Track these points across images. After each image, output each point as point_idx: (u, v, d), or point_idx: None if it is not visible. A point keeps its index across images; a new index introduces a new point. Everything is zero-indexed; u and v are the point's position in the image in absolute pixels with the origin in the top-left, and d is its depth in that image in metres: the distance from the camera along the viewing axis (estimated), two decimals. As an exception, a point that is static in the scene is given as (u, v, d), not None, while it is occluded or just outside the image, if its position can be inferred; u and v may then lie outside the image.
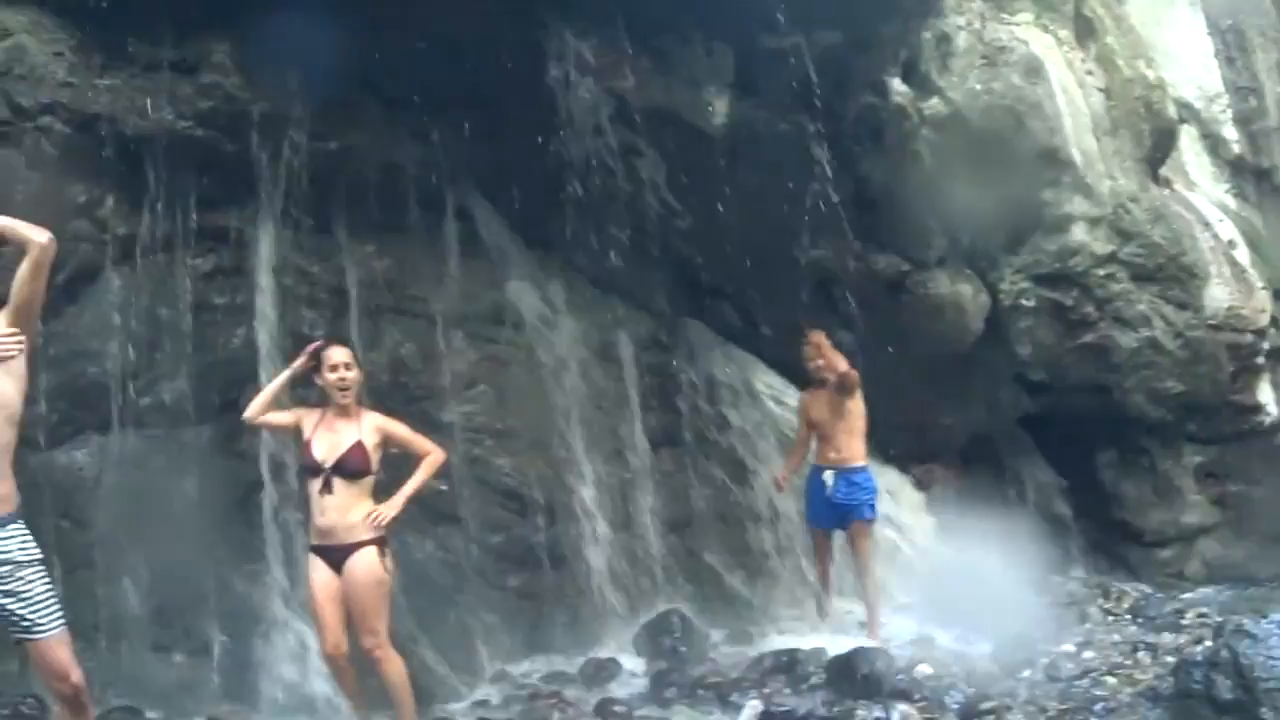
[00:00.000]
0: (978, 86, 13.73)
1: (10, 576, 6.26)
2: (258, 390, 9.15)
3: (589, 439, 12.09)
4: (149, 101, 10.13)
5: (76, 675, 6.40)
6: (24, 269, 6.40)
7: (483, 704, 9.91)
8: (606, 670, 10.72)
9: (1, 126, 9.77)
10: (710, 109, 11.70)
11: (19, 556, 6.32)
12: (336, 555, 8.31)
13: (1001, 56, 13.94)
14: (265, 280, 10.59)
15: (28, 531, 6.40)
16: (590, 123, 11.15)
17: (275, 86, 10.42)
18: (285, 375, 8.82)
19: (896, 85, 12.85)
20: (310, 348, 8.76)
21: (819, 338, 12.01)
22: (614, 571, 11.82)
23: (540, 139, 11.02)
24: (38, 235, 6.35)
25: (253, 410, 8.70)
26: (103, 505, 9.82)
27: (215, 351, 10.37)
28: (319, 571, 8.35)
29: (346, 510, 8.24)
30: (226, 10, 10.03)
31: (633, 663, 10.93)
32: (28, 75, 9.77)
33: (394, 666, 8.31)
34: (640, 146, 11.65)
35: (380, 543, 8.34)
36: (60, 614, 6.40)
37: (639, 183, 11.72)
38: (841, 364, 11.39)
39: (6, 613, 6.26)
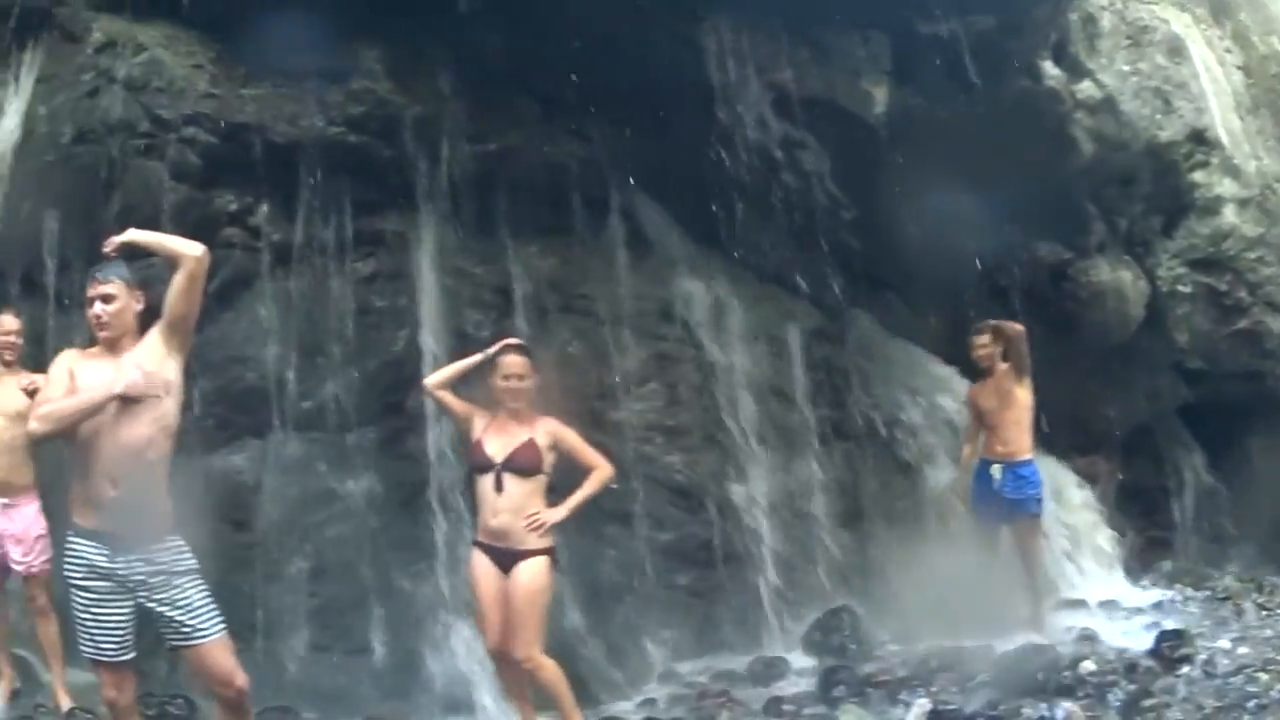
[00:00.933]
0: (1125, 68, 12.71)
1: (167, 585, 5.79)
2: (421, 392, 8.64)
3: (758, 434, 10.97)
4: (298, 109, 9.68)
5: (240, 679, 5.92)
6: (178, 282, 5.90)
7: (650, 703, 9.08)
8: (775, 668, 9.79)
9: (143, 139, 9.30)
10: (869, 98, 10.62)
11: (174, 567, 5.84)
12: (505, 558, 7.63)
13: (1145, 36, 13.01)
14: (428, 282, 9.82)
15: (182, 543, 5.91)
16: (751, 116, 10.23)
17: (428, 90, 9.90)
18: (476, 359, 8.09)
19: (1049, 68, 11.76)
20: (499, 344, 8.08)
21: (999, 327, 10.79)
22: (783, 568, 10.89)
23: (701, 134, 10.06)
24: (191, 249, 5.89)
25: (434, 380, 8.00)
26: (262, 508, 9.24)
27: (378, 354, 9.64)
28: (484, 569, 7.59)
29: (519, 512, 7.45)
30: (373, 17, 9.61)
31: (801, 661, 10.02)
32: (166, 88, 9.26)
33: (549, 673, 7.51)
34: (802, 138, 10.65)
35: (550, 552, 7.66)
36: (219, 619, 5.89)
37: (802, 175, 10.70)
38: (1013, 325, 10.34)
39: (165, 620, 5.80)
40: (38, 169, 9.67)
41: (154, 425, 6.07)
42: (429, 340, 9.60)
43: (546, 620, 7.80)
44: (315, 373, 9.42)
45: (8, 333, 8.71)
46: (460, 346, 9.39)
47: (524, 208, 10.07)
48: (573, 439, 8.00)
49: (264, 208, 9.45)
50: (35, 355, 8.72)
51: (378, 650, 9.10)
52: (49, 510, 8.41)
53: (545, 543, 7.45)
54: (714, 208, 10.53)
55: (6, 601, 8.75)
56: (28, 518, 8.46)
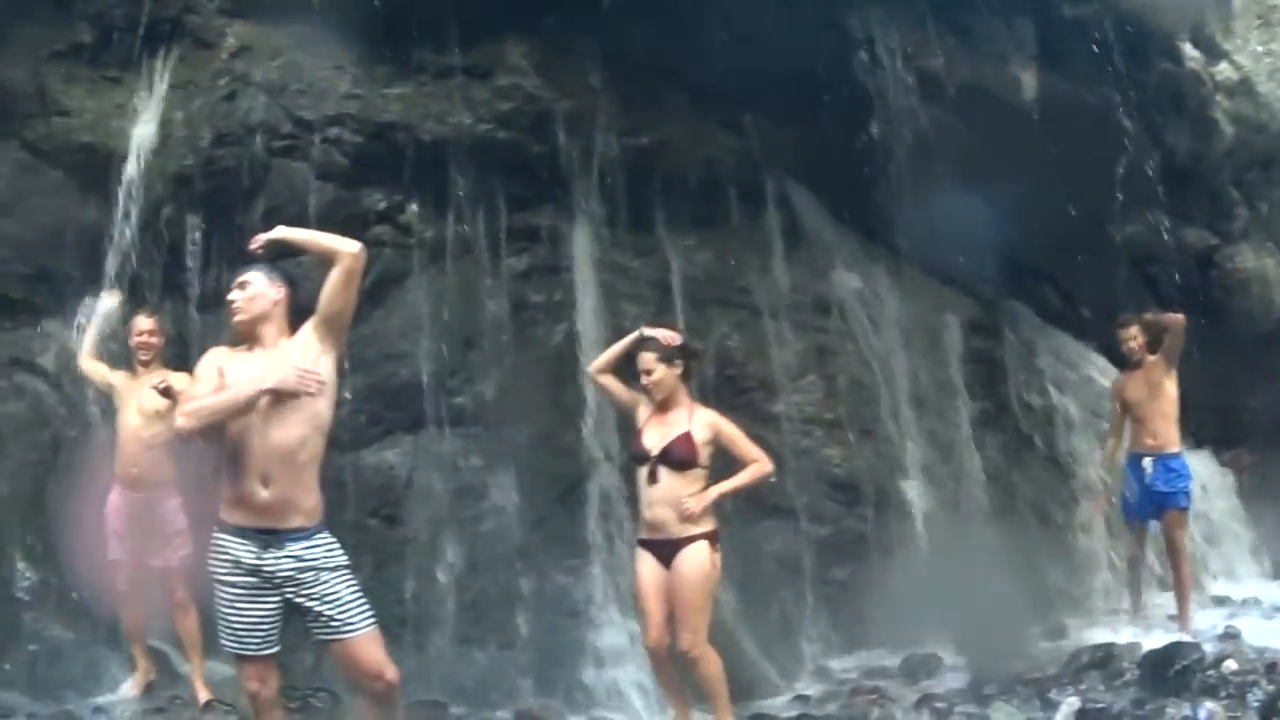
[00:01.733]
0: (1259, 49, 12.31)
1: (315, 581, 5.75)
2: (578, 387, 8.82)
3: (915, 427, 10.89)
4: (445, 107, 9.62)
5: (390, 673, 5.86)
6: (334, 279, 5.85)
7: (803, 699, 8.89)
8: (927, 665, 9.57)
9: (286, 140, 9.35)
10: (1018, 83, 10.48)
11: (324, 564, 5.79)
12: (665, 549, 7.51)
13: (1275, 15, 12.54)
14: (585, 277, 9.75)
15: (333, 539, 5.88)
16: (902, 103, 9.99)
17: (577, 84, 9.79)
18: (630, 339, 8.07)
19: (1189, 50, 11.52)
20: (637, 333, 8.04)
21: (1151, 319, 10.65)
22: (937, 563, 10.60)
23: (852, 123, 9.86)
24: (347, 246, 5.84)
25: (595, 365, 8.05)
26: (414, 503, 9.21)
27: (534, 349, 9.60)
28: (647, 565, 7.51)
29: (675, 503, 7.34)
30: (517, 14, 9.57)
31: (953, 658, 9.77)
32: (307, 90, 9.32)
33: (710, 666, 7.48)
34: (953, 125, 10.27)
35: (712, 537, 7.50)
36: (370, 613, 5.84)
37: (954, 162, 10.34)
38: (1173, 316, 10.19)
39: (313, 615, 5.76)
40: (176, 172, 9.71)
41: (307, 424, 5.98)
42: (586, 335, 9.52)
43: (711, 610, 7.69)
44: (469, 368, 9.38)
45: (142, 333, 8.77)
46: (617, 341, 9.12)
47: (678, 200, 9.94)
48: (731, 432, 7.83)
49: (414, 205, 9.41)
50: (179, 357, 8.78)
51: (529, 645, 9.17)
52: (190, 506, 8.47)
53: (706, 527, 7.34)
54: (867, 197, 10.32)
55: (145, 595, 8.78)
56: (167, 513, 8.52)
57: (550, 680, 9.09)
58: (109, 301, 9.12)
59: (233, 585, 6.04)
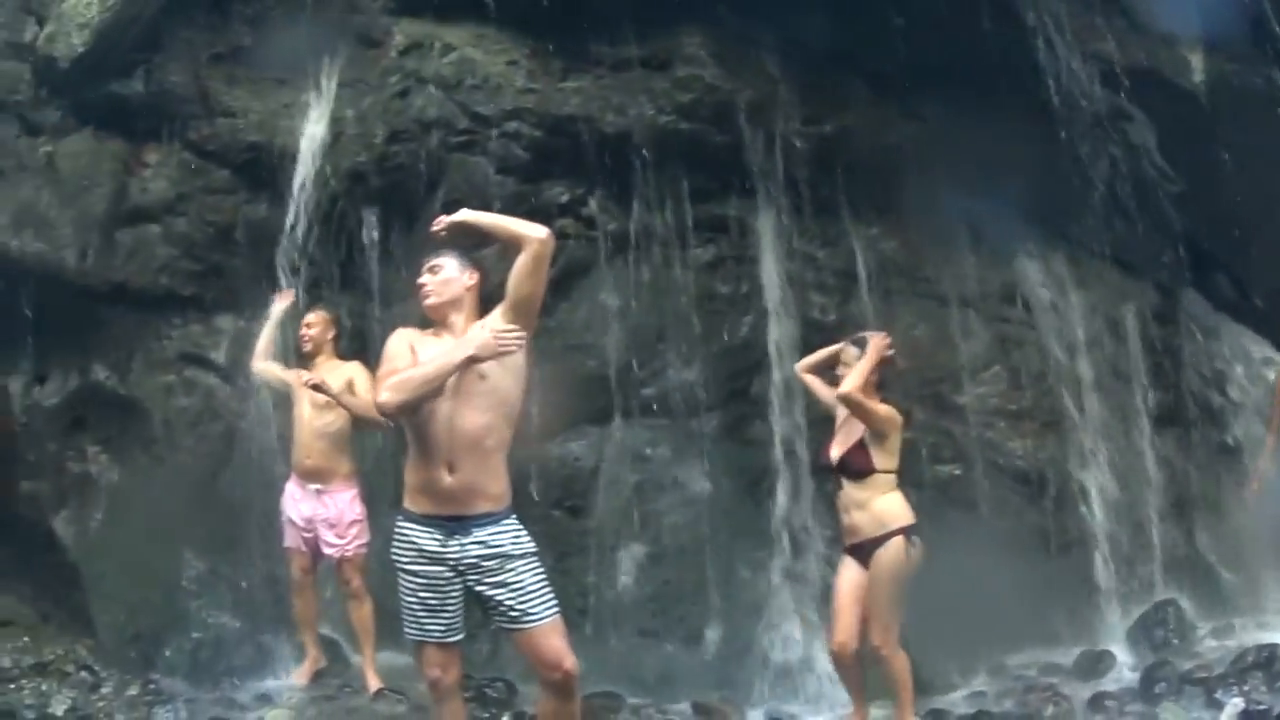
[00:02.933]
0: None
1: (500, 569, 5.64)
2: (766, 377, 8.92)
3: (1095, 419, 10.73)
4: (625, 99, 9.61)
5: (570, 663, 5.69)
6: (523, 264, 5.72)
7: (979, 695, 8.88)
8: (1102, 663, 9.44)
9: (463, 135, 9.50)
10: (1187, 65, 10.30)
11: (511, 550, 5.67)
12: (863, 552, 7.50)
13: None
14: (771, 267, 9.70)
15: (520, 526, 5.75)
16: (1077, 88, 10.01)
17: (756, 74, 9.73)
18: (840, 345, 7.97)
19: None
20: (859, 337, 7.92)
21: None
22: (1114, 559, 10.45)
23: (1029, 109, 9.69)
24: (534, 231, 5.71)
25: (802, 365, 8.13)
26: (600, 494, 9.28)
27: (722, 340, 9.53)
28: (848, 569, 7.56)
29: (865, 506, 7.41)
30: (691, 4, 9.48)
31: (1125, 655, 9.65)
32: (482, 85, 9.45)
33: (899, 664, 7.40)
34: (1128, 110, 10.29)
35: (907, 532, 7.46)
36: (553, 603, 5.70)
37: (1130, 148, 10.30)
38: None
39: (495, 603, 5.66)
40: (350, 169, 9.78)
41: (494, 411, 5.88)
42: (775, 325, 9.51)
43: (902, 608, 7.65)
44: (657, 359, 9.39)
45: (307, 325, 8.85)
46: (806, 332, 9.41)
47: (861, 189, 9.84)
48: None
49: (596, 198, 9.44)
50: (358, 351, 8.88)
51: (710, 638, 9.13)
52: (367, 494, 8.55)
53: (900, 522, 7.37)
54: (1047, 185, 10.15)
55: (317, 583, 8.86)
56: (342, 503, 8.56)
57: (729, 674, 9.04)
58: (281, 304, 9.16)
59: (416, 574, 5.96)
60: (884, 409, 7.57)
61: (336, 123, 9.58)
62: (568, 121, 9.27)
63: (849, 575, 7.67)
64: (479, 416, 5.84)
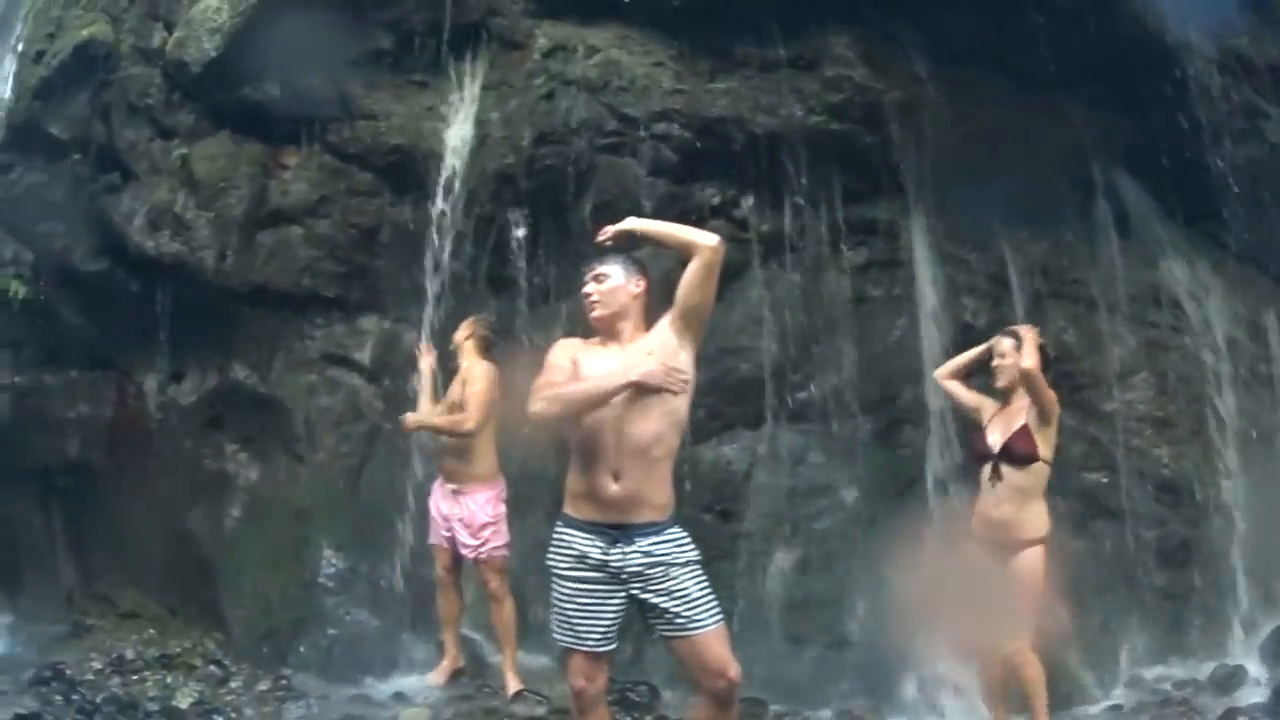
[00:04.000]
0: None
1: (665, 576, 5.61)
2: (918, 383, 8.82)
3: (1236, 427, 10.59)
4: (774, 100, 9.59)
5: (734, 671, 5.67)
6: (694, 272, 5.69)
7: (1116, 709, 8.77)
8: (1236, 678, 9.22)
9: (612, 137, 9.49)
10: None
11: (675, 559, 5.65)
12: (1002, 550, 7.46)
13: None
14: (925, 270, 9.65)
15: (684, 534, 5.73)
16: (1215, 86, 9.83)
17: (904, 73, 9.66)
18: (981, 348, 8.02)
19: None
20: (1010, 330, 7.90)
21: None
22: (1251, 571, 10.26)
23: (1170, 107, 9.68)
24: (706, 239, 5.69)
25: (942, 371, 8.09)
26: (751, 499, 9.26)
27: (875, 344, 9.51)
28: (979, 563, 7.52)
29: (1018, 504, 7.34)
30: (836, 4, 9.49)
31: (1258, 670, 9.37)
32: (629, 87, 9.42)
33: (1033, 671, 7.32)
34: (1265, 108, 10.12)
35: (1046, 542, 7.41)
36: (719, 611, 5.68)
37: (1267, 146, 10.16)
38: None
39: (660, 611, 5.62)
40: (497, 171, 9.81)
41: (663, 420, 5.84)
42: (928, 329, 9.48)
43: (1038, 615, 7.60)
44: (810, 364, 9.37)
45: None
46: (959, 335, 9.32)
47: (1009, 191, 9.76)
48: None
49: (749, 199, 9.42)
50: (506, 351, 8.93)
51: (856, 645, 9.08)
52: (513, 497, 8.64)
53: (1045, 531, 7.45)
54: (1189, 184, 10.01)
55: (460, 583, 8.90)
56: (476, 504, 8.58)
57: (873, 682, 9.00)
58: (425, 361, 9.26)
59: (575, 580, 5.93)
60: (1052, 392, 7.55)
61: (482, 125, 9.61)
62: (717, 123, 9.25)
63: (983, 573, 7.64)
64: (647, 425, 5.81)
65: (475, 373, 8.63)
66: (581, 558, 5.89)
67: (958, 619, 7.88)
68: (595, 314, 6.02)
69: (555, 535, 6.01)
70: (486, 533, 8.52)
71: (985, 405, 7.89)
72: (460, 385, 8.63)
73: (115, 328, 10.68)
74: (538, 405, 5.88)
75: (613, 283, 6.01)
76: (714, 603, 5.87)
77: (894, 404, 9.26)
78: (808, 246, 9.42)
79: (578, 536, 5.91)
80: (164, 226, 9.80)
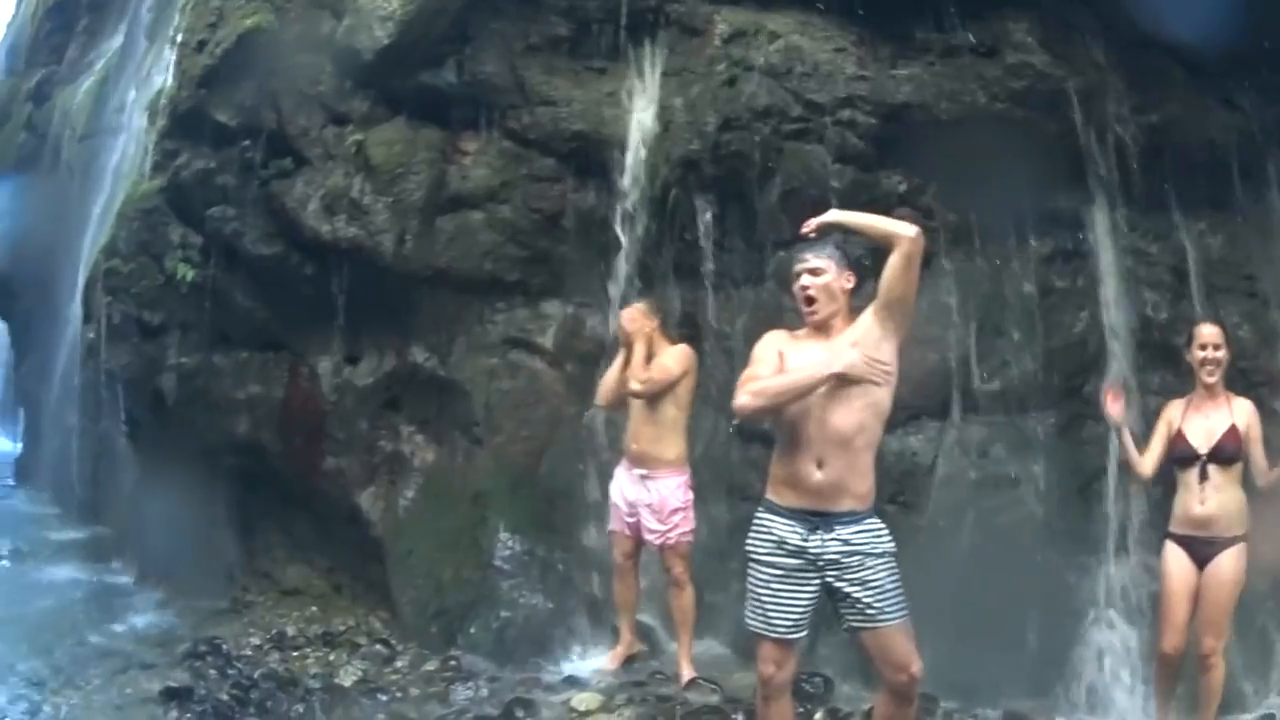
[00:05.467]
0: None
1: (860, 566, 5.75)
2: (1101, 376, 8.74)
3: None
4: (957, 86, 9.49)
5: (916, 667, 5.82)
6: (895, 264, 5.79)
7: (1268, 718, 8.48)
8: None
9: (796, 124, 9.38)
10: None
11: (871, 549, 5.80)
12: (1205, 550, 7.43)
13: None
14: (1108, 262, 9.42)
15: (882, 525, 5.87)
16: None
17: (1083, 60, 9.47)
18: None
19: None
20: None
21: None
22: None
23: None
24: (905, 230, 5.78)
25: (1144, 470, 7.84)
26: (935, 491, 9.12)
27: (1058, 336, 9.27)
28: (1178, 563, 7.51)
29: (1226, 501, 7.33)
30: None
31: None
32: (812, 73, 9.29)
33: (1220, 675, 7.42)
34: None
35: (1248, 539, 7.40)
36: (905, 605, 5.81)
37: None
38: None
39: (851, 600, 5.76)
40: (682, 157, 9.85)
41: (867, 410, 5.98)
42: (1110, 321, 9.31)
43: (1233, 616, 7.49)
44: (995, 355, 9.20)
45: (630, 319, 8.89)
46: (1140, 328, 9.32)
47: (1188, 182, 9.71)
48: (1258, 432, 7.77)
49: (934, 187, 9.22)
50: (692, 338, 9.12)
51: (1028, 643, 8.94)
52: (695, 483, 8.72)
53: (1245, 528, 7.35)
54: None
55: (638, 569, 9.01)
56: (666, 489, 8.66)
57: (1043, 680, 8.95)
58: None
59: (772, 566, 6.06)
60: None
61: (665, 111, 9.64)
62: (902, 109, 9.13)
63: (1181, 572, 7.66)
64: (851, 415, 5.95)
65: (671, 352, 8.78)
66: (780, 543, 6.03)
67: (1156, 619, 7.89)
68: (810, 310, 6.17)
69: (755, 520, 6.17)
70: (676, 518, 8.54)
71: (1171, 412, 7.95)
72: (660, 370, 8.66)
73: (288, 310, 10.89)
74: (743, 398, 6.08)
75: (827, 278, 6.13)
76: (902, 597, 6.01)
77: (1075, 397, 9.08)
78: (993, 236, 9.26)
79: (778, 522, 6.05)
80: (340, 211, 9.89)
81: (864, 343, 5.77)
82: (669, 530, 8.41)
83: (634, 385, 8.32)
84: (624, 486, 8.56)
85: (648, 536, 8.47)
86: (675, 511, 8.40)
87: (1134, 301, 9.66)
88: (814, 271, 6.15)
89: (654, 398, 8.46)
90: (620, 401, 8.58)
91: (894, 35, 9.35)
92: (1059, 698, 8.57)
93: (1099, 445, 9.37)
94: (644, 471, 8.47)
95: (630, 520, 8.50)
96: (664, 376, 8.33)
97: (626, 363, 8.48)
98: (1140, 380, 8.79)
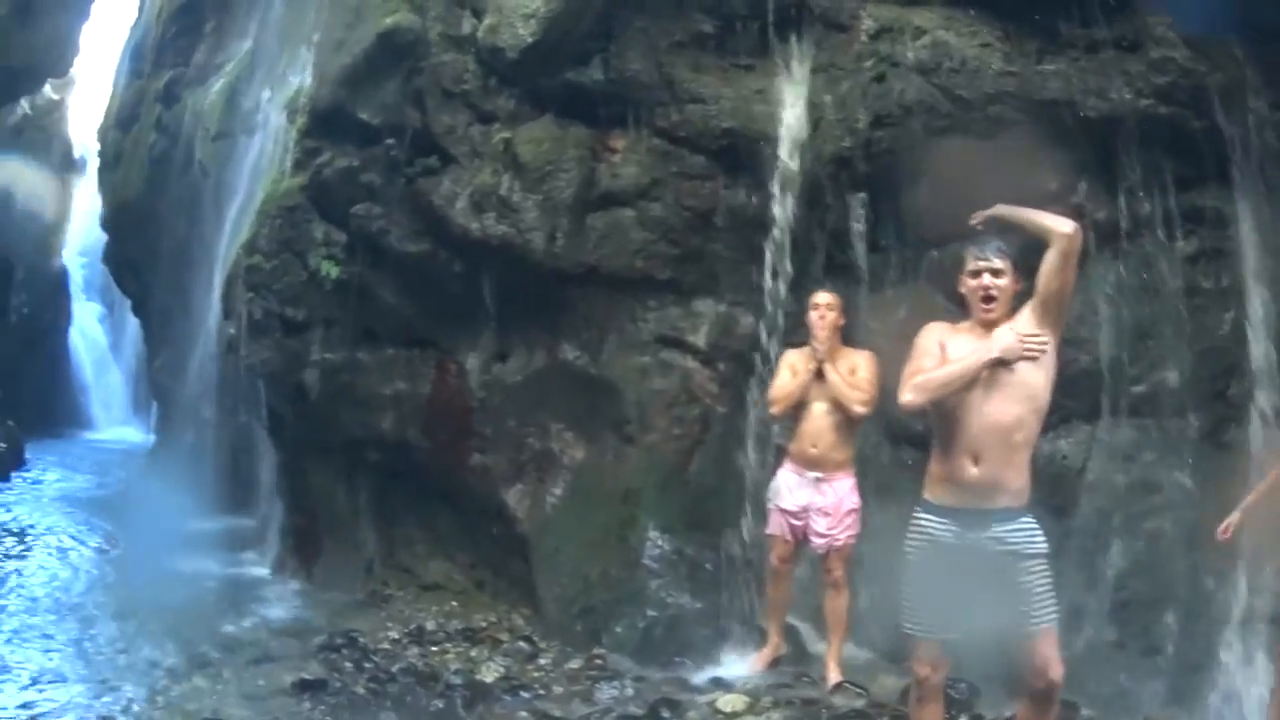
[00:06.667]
0: None
1: (1012, 566, 5.77)
2: (1245, 379, 8.80)
3: None
4: (1103, 82, 9.41)
5: (1056, 673, 5.84)
6: (1052, 259, 5.89)
7: None
8: None
9: (947, 120, 9.37)
10: None
11: (1024, 549, 5.83)
12: None
13: None
14: (1252, 261, 9.34)
15: (1036, 525, 5.88)
16: None
17: (1223, 55, 9.25)
18: None
19: None
20: None
21: None
22: None
23: None
24: (1062, 226, 5.92)
25: None
26: (1084, 495, 9.06)
27: (1204, 338, 9.23)
28: None
29: None
30: None
31: None
32: (960, 69, 9.29)
33: None
34: None
35: None
36: (1054, 609, 5.85)
37: None
38: None
39: (1002, 602, 5.75)
40: (834, 154, 9.91)
41: (1024, 405, 6.03)
42: (1254, 324, 9.22)
43: None
44: (1144, 357, 9.18)
45: (818, 306, 8.88)
46: None
47: (1328, 180, 9.05)
48: None
49: (1083, 185, 9.19)
50: (845, 338, 8.94)
51: (1169, 651, 8.79)
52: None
53: None
54: None
55: (794, 573, 9.01)
56: (841, 491, 8.67)
57: (1183, 691, 8.93)
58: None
59: (928, 567, 6.12)
60: None
61: (815, 108, 9.68)
62: (1049, 105, 9.08)
63: None
64: (1009, 409, 6.02)
65: (861, 359, 8.74)
66: (936, 544, 6.11)
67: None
68: (988, 309, 6.23)
69: (913, 521, 6.25)
70: (849, 520, 8.49)
71: None
72: (849, 373, 8.44)
73: (434, 307, 10.79)
74: (907, 395, 6.20)
75: (1006, 280, 6.23)
76: (1052, 601, 6.06)
77: (1220, 400, 9.04)
78: (1141, 235, 9.22)
79: (934, 522, 6.15)
80: (489, 209, 10.01)
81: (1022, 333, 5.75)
82: (839, 532, 8.40)
83: (859, 409, 8.32)
84: (792, 490, 8.51)
85: (815, 540, 8.44)
86: (850, 513, 8.41)
87: (1278, 302, 9.55)
88: (996, 273, 6.24)
89: (838, 409, 8.36)
90: (792, 407, 8.35)
91: (1039, 30, 9.34)
92: (1200, 708, 8.57)
93: (1242, 450, 9.31)
94: (819, 474, 8.43)
95: (796, 524, 8.47)
96: (878, 391, 8.16)
97: (814, 370, 8.50)
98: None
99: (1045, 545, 5.87)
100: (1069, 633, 8.70)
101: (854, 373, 8.62)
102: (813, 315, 8.55)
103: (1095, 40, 9.23)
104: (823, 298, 8.57)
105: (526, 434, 10.37)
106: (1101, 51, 9.20)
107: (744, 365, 9.72)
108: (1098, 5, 9.46)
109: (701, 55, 10.39)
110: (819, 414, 8.46)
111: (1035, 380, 5.89)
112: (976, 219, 6.38)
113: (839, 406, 8.38)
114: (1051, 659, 5.82)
